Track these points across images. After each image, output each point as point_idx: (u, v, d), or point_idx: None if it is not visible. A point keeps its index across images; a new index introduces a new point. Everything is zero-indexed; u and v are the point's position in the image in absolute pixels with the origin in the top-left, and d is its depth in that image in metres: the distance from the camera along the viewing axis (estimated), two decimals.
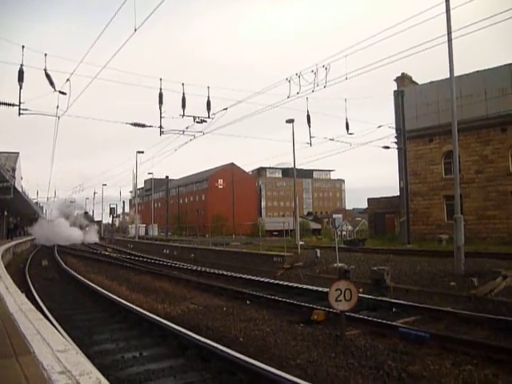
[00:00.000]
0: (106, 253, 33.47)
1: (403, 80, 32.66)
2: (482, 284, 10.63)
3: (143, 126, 17.53)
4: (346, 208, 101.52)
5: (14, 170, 33.80)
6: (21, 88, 14.25)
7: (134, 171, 50.49)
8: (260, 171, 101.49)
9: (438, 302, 9.91)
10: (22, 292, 7.26)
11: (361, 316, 8.35)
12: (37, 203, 64.95)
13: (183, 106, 16.63)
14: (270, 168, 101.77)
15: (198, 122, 17.36)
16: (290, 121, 26.51)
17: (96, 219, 74.07)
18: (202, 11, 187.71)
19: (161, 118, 16.74)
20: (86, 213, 69.85)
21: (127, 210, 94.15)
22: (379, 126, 25.23)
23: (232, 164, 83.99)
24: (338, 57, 15.01)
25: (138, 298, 11.68)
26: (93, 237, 53.35)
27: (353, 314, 8.05)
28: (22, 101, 14.37)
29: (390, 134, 28.19)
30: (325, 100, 21.70)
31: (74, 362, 2.79)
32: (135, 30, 11.65)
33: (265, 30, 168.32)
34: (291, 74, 15.93)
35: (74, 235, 49.84)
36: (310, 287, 12.41)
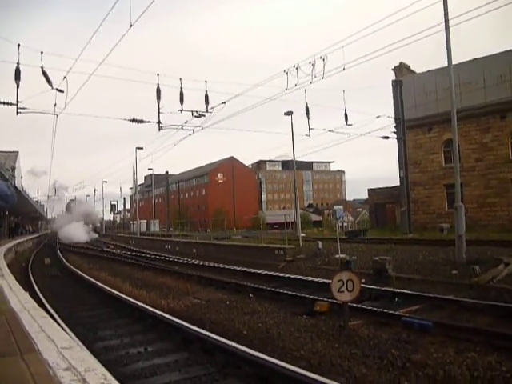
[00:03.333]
0: (108, 249, 33.57)
1: (401, 69, 32.51)
2: (483, 272, 10.65)
3: (141, 121, 17.52)
4: (347, 199, 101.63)
5: (13, 169, 33.84)
6: (18, 87, 14.24)
7: (134, 167, 50.51)
8: (260, 164, 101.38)
9: (440, 290, 9.92)
10: (25, 291, 7.28)
11: (363, 306, 8.38)
12: (37, 202, 64.97)
13: (181, 100, 16.60)
14: (269, 161, 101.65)
15: (196, 117, 17.37)
16: (289, 113, 26.42)
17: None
18: (197, 6, 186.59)
19: (159, 113, 16.75)
20: None
21: (128, 206, 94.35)
22: (378, 117, 25.17)
23: (232, 158, 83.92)
24: (335, 47, 14.97)
25: (142, 293, 11.71)
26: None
27: (355, 305, 8.06)
28: (19, 99, 14.40)
29: (389, 124, 28.07)
30: (323, 91, 21.65)
31: (79, 358, 2.79)
32: (131, 26, 11.68)
33: (261, 22, 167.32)
34: (289, 65, 15.89)
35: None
36: (313, 279, 12.44)
